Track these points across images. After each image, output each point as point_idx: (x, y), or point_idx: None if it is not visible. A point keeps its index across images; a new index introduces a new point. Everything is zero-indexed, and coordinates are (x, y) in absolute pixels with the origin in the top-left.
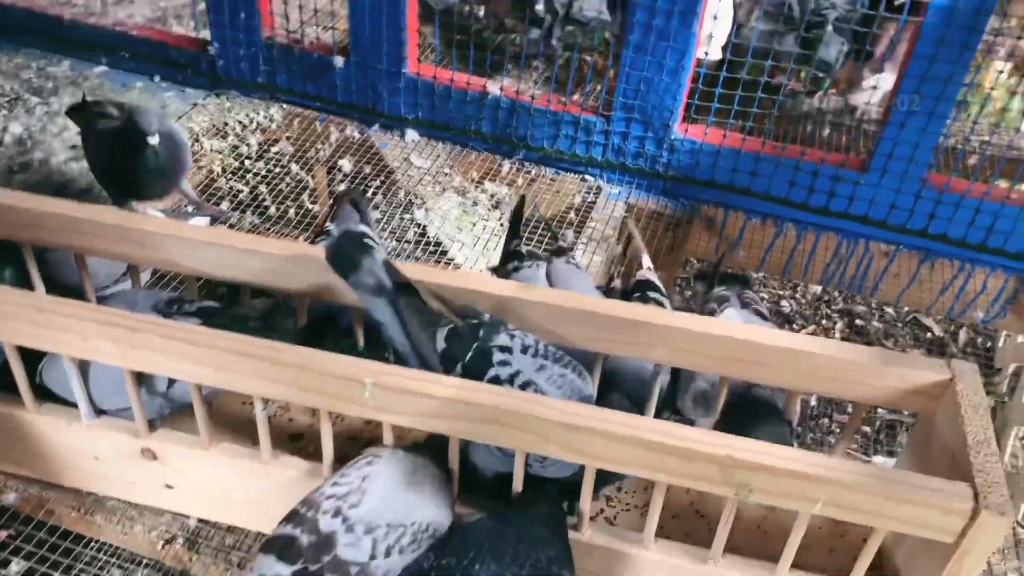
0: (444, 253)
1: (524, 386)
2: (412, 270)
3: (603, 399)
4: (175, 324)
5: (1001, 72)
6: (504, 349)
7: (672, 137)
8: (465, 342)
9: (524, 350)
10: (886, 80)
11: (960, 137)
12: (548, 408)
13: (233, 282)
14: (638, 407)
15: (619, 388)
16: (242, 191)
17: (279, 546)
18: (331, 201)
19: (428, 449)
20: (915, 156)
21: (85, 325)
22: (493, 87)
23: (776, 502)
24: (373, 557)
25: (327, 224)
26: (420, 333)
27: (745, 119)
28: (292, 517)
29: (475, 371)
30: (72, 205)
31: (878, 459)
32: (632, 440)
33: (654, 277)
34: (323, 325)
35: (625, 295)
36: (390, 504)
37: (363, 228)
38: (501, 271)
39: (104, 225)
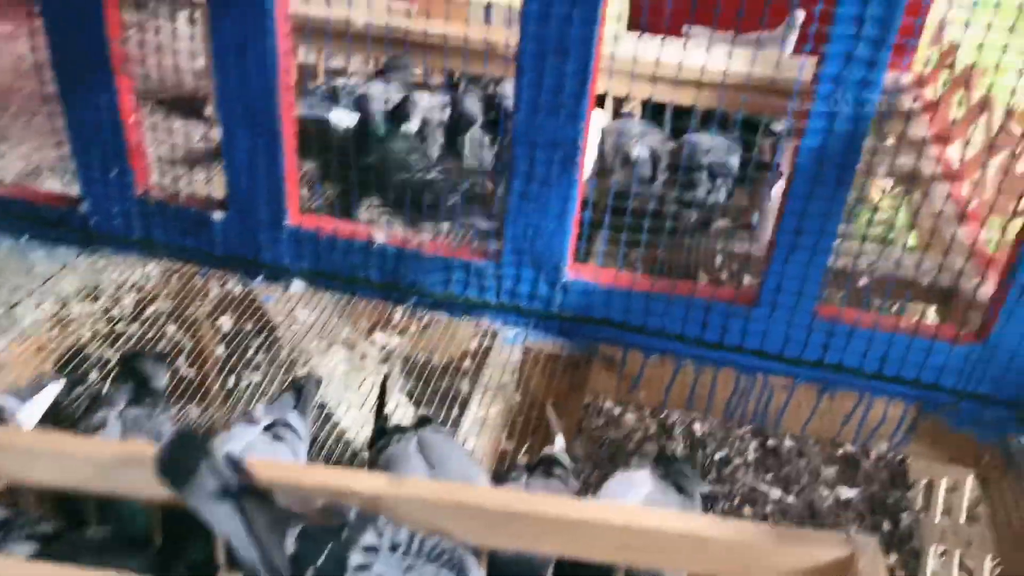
0: (329, 418)
1: None
2: (266, 469)
3: None
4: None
5: (884, 190)
6: (369, 549)
7: (564, 279)
8: (319, 544)
9: (393, 548)
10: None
11: (849, 258)
12: None
13: (67, 491)
14: None
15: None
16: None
17: None
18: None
19: None
20: (803, 289)
21: None
22: (379, 235)
23: None
24: None
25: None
26: (268, 535)
27: (635, 253)
28: None
29: None
30: None
31: None
32: None
33: (564, 456)
34: (181, 536)
35: (529, 470)
36: None
37: (289, 418)
38: (370, 453)
39: None
